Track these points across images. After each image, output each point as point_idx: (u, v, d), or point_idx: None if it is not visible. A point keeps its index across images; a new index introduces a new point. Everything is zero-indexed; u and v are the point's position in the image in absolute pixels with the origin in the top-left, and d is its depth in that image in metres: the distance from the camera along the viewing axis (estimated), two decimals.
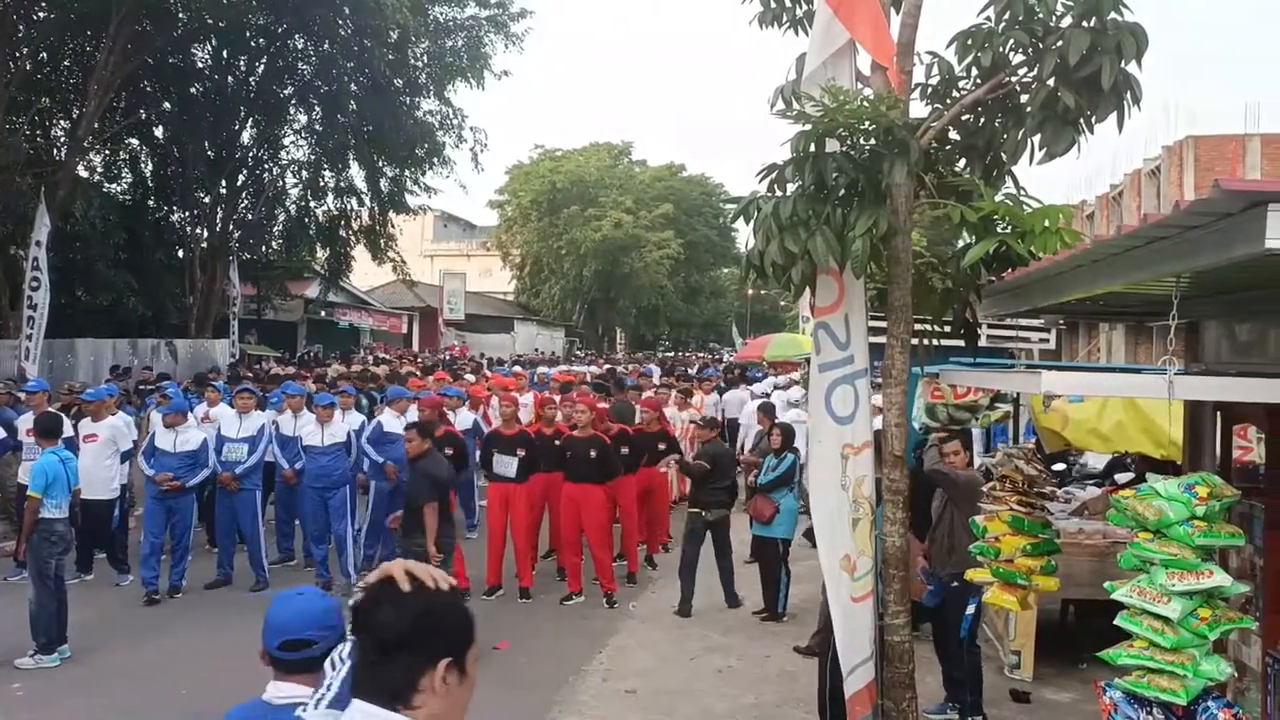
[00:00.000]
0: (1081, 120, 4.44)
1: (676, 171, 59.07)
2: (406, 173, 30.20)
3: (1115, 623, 3.12)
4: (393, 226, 31.35)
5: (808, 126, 4.31)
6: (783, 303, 74.01)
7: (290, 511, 11.70)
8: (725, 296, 71.17)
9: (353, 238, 31.27)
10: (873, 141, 4.34)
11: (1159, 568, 3.00)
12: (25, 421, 10.65)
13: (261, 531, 10.79)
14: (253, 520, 10.65)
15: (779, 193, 4.65)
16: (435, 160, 29.80)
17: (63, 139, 24.75)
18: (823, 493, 4.77)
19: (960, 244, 5.48)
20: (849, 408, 4.70)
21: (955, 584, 7.03)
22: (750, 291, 68.18)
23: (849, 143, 4.39)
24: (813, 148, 4.35)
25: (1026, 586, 4.88)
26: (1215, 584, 2.95)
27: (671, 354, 50.37)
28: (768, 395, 17.57)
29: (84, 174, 24.85)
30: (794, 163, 4.37)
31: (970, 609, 6.93)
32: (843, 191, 4.39)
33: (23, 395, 12.32)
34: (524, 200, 52.77)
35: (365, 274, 39.78)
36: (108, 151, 26.88)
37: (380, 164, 29.55)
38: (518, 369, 22.00)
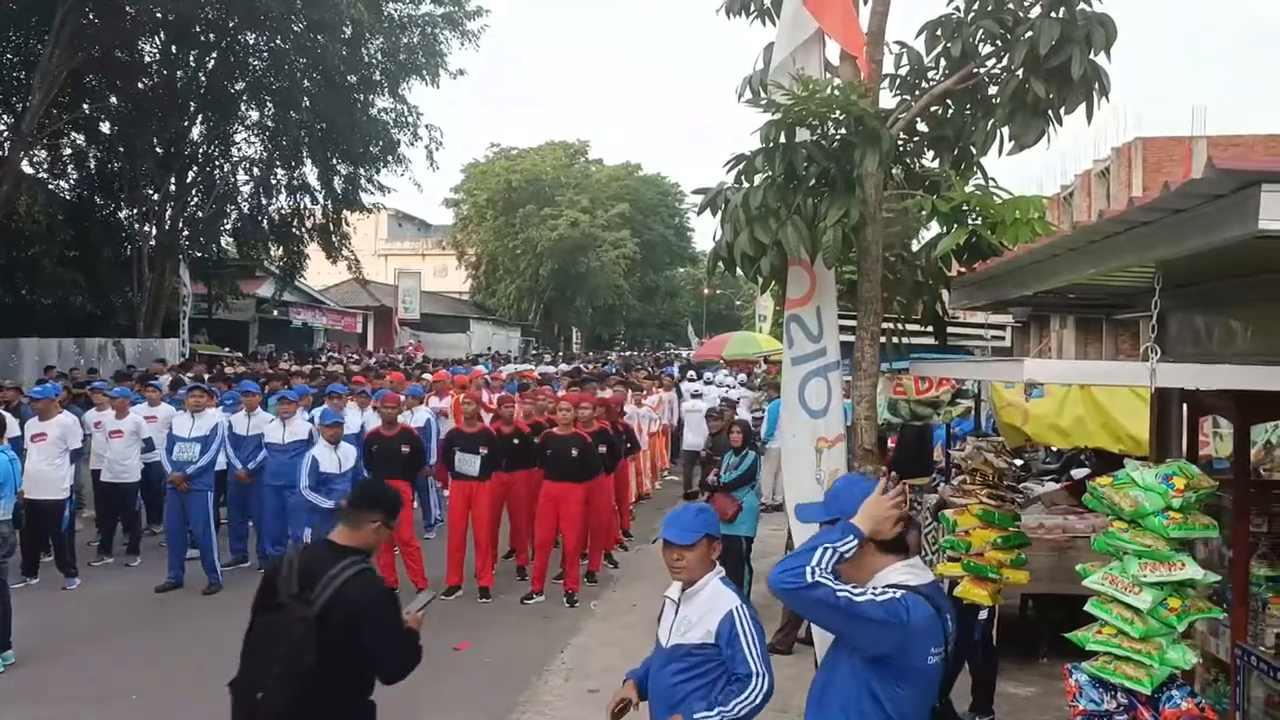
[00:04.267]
0: (1051, 111, 4.43)
1: (633, 171, 59.05)
2: (361, 170, 29.89)
3: (1085, 608, 3.11)
4: (347, 224, 31.00)
5: (778, 115, 4.26)
6: (738, 302, 74.43)
7: (244, 512, 11.50)
8: (681, 296, 71.42)
9: (306, 236, 30.87)
10: (843, 131, 4.30)
11: (1131, 557, 2.99)
12: None
13: (214, 533, 10.56)
14: (204, 522, 10.41)
15: (747, 184, 4.60)
16: (390, 158, 29.54)
17: (4, 134, 24.19)
18: (797, 486, 4.72)
19: (916, 245, 5.46)
20: (822, 400, 4.66)
21: None
22: (707, 291, 68.50)
23: (819, 132, 4.34)
24: (783, 137, 4.30)
25: (997, 580, 4.87)
26: (1187, 576, 2.93)
27: (630, 353, 50.34)
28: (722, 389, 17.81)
29: (28, 170, 24.29)
30: (764, 152, 4.32)
31: (983, 615, 6.96)
32: (813, 181, 4.34)
33: None
34: (480, 199, 52.48)
35: (319, 273, 39.32)
36: (52, 146, 26.28)
37: (334, 161, 29.21)
38: (478, 368, 21.83)
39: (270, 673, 3.75)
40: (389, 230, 66.80)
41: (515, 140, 70.44)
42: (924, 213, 4.34)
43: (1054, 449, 11.93)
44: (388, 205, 35.14)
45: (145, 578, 10.76)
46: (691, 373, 22.97)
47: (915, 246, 5.24)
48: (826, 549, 3.04)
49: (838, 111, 4.21)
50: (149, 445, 11.65)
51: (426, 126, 29.60)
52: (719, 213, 4.74)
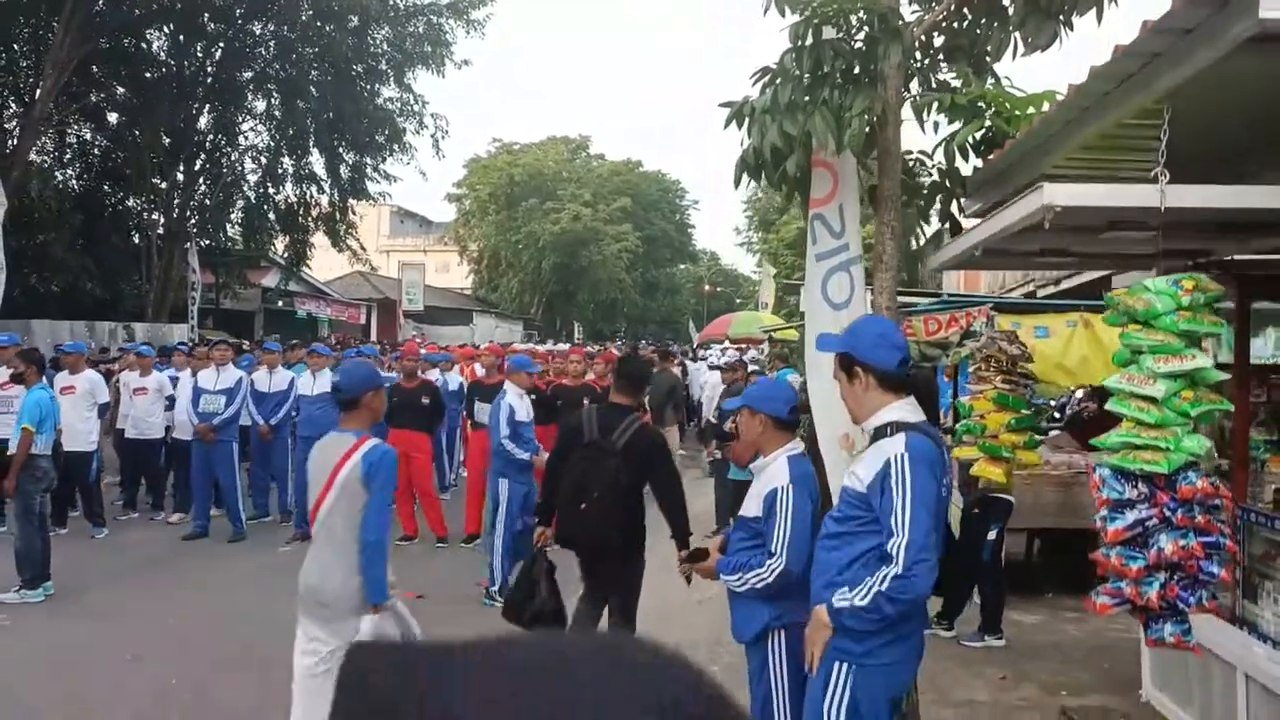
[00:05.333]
0: (1062, 16, 4.69)
1: (634, 167, 59.29)
2: (367, 159, 30.12)
3: (1107, 407, 3.38)
4: (353, 214, 31.25)
5: (806, 13, 4.52)
6: (739, 300, 74.68)
7: (265, 468, 11.75)
8: (681, 294, 71.68)
9: (312, 225, 31.12)
10: (867, 29, 4.57)
11: (1147, 355, 3.26)
12: None
13: (239, 484, 10.83)
14: (230, 473, 10.68)
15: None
16: (395, 147, 29.77)
17: (14, 123, 24.44)
18: (819, 376, 4.96)
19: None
20: (845, 294, 4.92)
21: (976, 510, 7.38)
22: (708, 288, 68.77)
23: (844, 30, 4.61)
24: (810, 38, 4.56)
25: (1010, 459, 5.13)
26: (1197, 366, 3.20)
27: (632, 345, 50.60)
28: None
29: (35, 158, 24.54)
30: (793, 51, 4.58)
31: (992, 534, 7.26)
32: (838, 78, 4.60)
33: None
34: (482, 194, 52.71)
35: (323, 267, 39.52)
36: (59, 133, 26.53)
37: (340, 150, 29.45)
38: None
39: (593, 490, 5.43)
40: (391, 227, 67.12)
41: (517, 135, 70.74)
42: (944, 107, 4.59)
43: (1058, 402, 12.24)
44: (390, 202, 35.35)
45: (170, 529, 11.04)
46: (701, 351, 23.36)
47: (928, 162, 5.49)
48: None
49: (861, 10, 4.48)
50: (172, 404, 11.92)
51: (432, 115, 29.86)
52: (744, 124, 5.00)
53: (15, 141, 23.09)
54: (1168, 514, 3.19)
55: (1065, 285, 15.34)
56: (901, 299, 5.79)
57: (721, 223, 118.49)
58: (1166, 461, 3.14)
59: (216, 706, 6.06)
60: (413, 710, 0.55)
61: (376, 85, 28.83)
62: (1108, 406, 3.38)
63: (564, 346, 24.59)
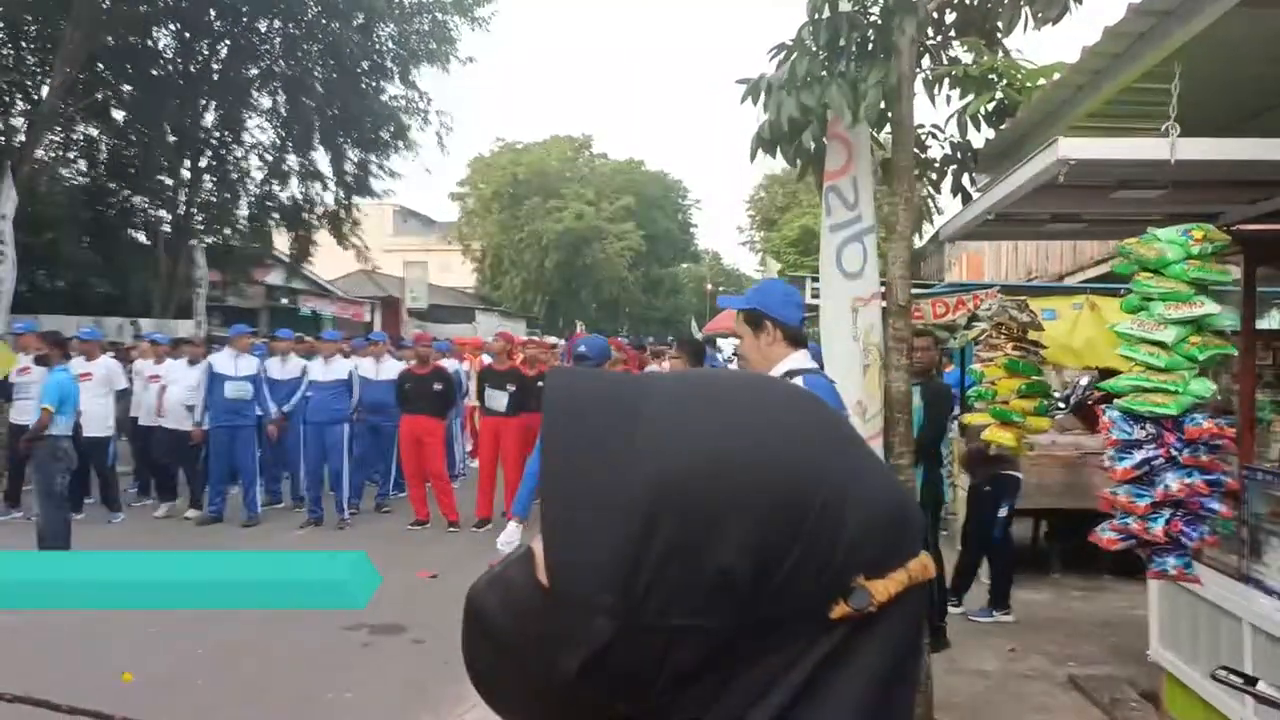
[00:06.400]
0: None
1: (637, 166, 59.47)
2: (371, 156, 30.22)
3: (1118, 351, 3.51)
4: (358, 210, 31.35)
5: None
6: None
7: (278, 455, 11.86)
8: (684, 294, 71.85)
9: (316, 222, 31.20)
10: (882, 2, 4.70)
11: (1157, 301, 3.40)
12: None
13: (257, 469, 10.96)
14: (251, 457, 10.80)
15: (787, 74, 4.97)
16: (400, 144, 29.86)
17: (23, 120, 24.58)
18: (835, 345, 5.09)
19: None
20: (858, 263, 5.04)
21: (988, 488, 7.52)
22: (710, 288, 68.84)
23: (859, 3, 4.74)
24: (827, 10, 4.68)
25: (1021, 424, 5.25)
26: (1205, 312, 3.35)
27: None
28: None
29: (43, 155, 24.66)
30: (810, 24, 4.70)
31: (1003, 511, 7.40)
32: (854, 50, 4.72)
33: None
34: (485, 192, 52.84)
35: (327, 266, 39.61)
36: (65, 133, 26.66)
37: (345, 147, 29.56)
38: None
39: None
40: (394, 226, 67.21)
41: (520, 134, 71.19)
42: (957, 77, 4.71)
43: (1063, 394, 12.36)
44: (393, 202, 35.43)
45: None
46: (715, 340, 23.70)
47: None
48: None
49: None
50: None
51: (437, 112, 30.00)
52: (759, 100, 5.12)
53: (23, 138, 23.26)
54: (1174, 453, 3.35)
55: (1068, 283, 15.57)
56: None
57: (723, 222, 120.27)
58: (1175, 404, 3.27)
59: (238, 673, 6.19)
60: (605, 407, 0.66)
61: (381, 82, 28.92)
62: (1119, 351, 3.51)
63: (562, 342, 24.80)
